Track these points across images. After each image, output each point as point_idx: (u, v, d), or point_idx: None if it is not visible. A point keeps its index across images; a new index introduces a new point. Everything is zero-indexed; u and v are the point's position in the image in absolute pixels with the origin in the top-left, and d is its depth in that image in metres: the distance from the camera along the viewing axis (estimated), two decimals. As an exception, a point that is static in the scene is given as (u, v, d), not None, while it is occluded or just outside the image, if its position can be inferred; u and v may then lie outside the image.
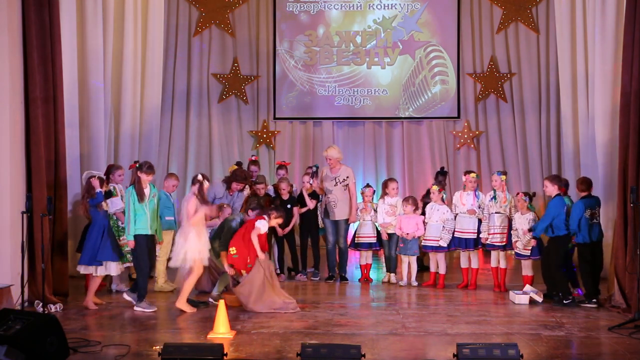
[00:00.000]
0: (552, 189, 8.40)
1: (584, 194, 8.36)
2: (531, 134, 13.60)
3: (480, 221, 9.10)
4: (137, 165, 8.00)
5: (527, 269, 8.78)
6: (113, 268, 8.08)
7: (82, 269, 8.07)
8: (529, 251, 8.63)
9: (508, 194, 9.17)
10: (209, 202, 8.04)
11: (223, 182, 9.48)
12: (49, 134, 8.10)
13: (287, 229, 9.65)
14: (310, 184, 9.66)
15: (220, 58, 14.02)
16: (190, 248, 7.73)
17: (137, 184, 7.84)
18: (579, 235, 8.20)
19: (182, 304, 7.77)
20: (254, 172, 10.19)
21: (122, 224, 8.68)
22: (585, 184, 8.41)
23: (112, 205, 8.63)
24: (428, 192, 9.89)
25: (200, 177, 7.88)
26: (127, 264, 8.84)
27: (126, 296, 7.95)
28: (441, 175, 11.25)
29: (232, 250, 7.95)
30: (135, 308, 7.84)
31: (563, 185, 8.80)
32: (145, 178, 7.88)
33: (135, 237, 7.79)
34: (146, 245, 7.89)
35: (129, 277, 9.53)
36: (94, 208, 8.03)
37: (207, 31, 13.93)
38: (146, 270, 7.95)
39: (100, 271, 7.99)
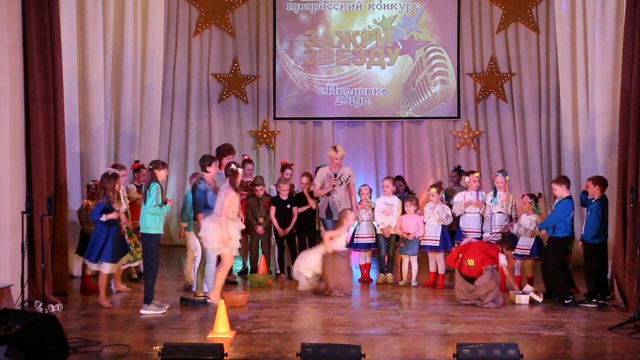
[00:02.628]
0: (560, 191, 8.35)
1: (600, 194, 8.30)
2: (531, 134, 13.60)
3: (483, 220, 9.15)
4: (152, 165, 7.87)
5: (524, 269, 8.80)
6: (108, 267, 8.12)
7: (95, 266, 8.15)
8: (529, 251, 8.65)
9: (509, 193, 9.19)
10: (240, 192, 8.18)
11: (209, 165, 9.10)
12: (49, 134, 8.10)
13: (288, 229, 9.66)
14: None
15: (220, 58, 14.02)
16: (217, 236, 7.81)
17: (160, 183, 7.80)
18: (597, 237, 8.16)
19: (214, 296, 7.84)
20: (249, 171, 10.18)
21: (123, 224, 8.69)
22: (605, 184, 8.33)
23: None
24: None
25: (233, 166, 7.93)
26: (129, 264, 8.86)
27: (143, 311, 7.65)
28: (455, 172, 11.26)
29: (470, 262, 8.12)
30: (142, 311, 7.61)
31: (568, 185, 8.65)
32: (164, 176, 7.88)
33: (151, 236, 7.71)
34: (159, 245, 7.86)
35: (129, 278, 9.54)
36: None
37: (207, 31, 13.94)
38: (156, 270, 7.83)
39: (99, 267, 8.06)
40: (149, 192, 7.67)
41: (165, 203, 7.75)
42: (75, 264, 9.56)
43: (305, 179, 9.86)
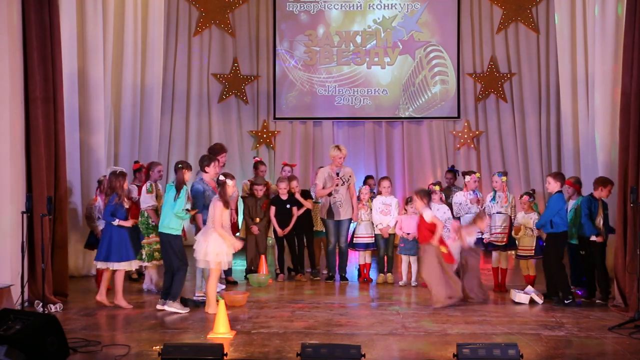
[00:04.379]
0: (554, 186, 8.36)
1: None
2: (531, 134, 13.61)
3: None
4: (181, 164, 7.84)
5: (529, 269, 8.79)
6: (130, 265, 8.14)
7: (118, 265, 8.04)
8: (532, 251, 8.65)
9: (509, 193, 9.18)
10: (230, 203, 7.75)
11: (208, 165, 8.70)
12: (49, 134, 8.10)
13: (287, 229, 9.66)
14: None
15: (220, 58, 14.03)
16: (210, 250, 7.55)
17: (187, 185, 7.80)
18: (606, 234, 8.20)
19: (211, 309, 7.54)
20: (263, 172, 10.19)
21: (152, 221, 8.65)
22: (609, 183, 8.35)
23: (144, 201, 8.69)
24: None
25: (222, 177, 7.64)
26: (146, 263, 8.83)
27: (167, 307, 7.65)
28: (450, 173, 11.23)
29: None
30: (167, 308, 7.62)
31: (564, 182, 8.64)
32: (189, 177, 7.87)
33: (175, 237, 7.71)
34: (182, 244, 7.87)
35: (129, 278, 9.51)
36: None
37: (207, 31, 13.94)
38: (186, 269, 7.83)
39: (121, 266, 7.98)
40: (179, 194, 7.64)
41: (189, 210, 7.77)
42: (83, 264, 9.54)
43: (294, 183, 9.85)
